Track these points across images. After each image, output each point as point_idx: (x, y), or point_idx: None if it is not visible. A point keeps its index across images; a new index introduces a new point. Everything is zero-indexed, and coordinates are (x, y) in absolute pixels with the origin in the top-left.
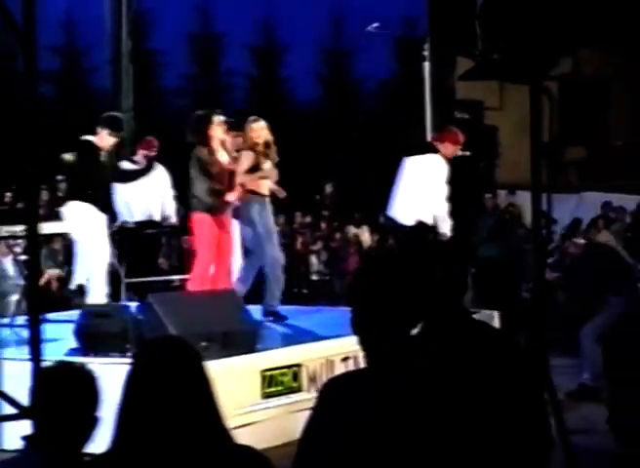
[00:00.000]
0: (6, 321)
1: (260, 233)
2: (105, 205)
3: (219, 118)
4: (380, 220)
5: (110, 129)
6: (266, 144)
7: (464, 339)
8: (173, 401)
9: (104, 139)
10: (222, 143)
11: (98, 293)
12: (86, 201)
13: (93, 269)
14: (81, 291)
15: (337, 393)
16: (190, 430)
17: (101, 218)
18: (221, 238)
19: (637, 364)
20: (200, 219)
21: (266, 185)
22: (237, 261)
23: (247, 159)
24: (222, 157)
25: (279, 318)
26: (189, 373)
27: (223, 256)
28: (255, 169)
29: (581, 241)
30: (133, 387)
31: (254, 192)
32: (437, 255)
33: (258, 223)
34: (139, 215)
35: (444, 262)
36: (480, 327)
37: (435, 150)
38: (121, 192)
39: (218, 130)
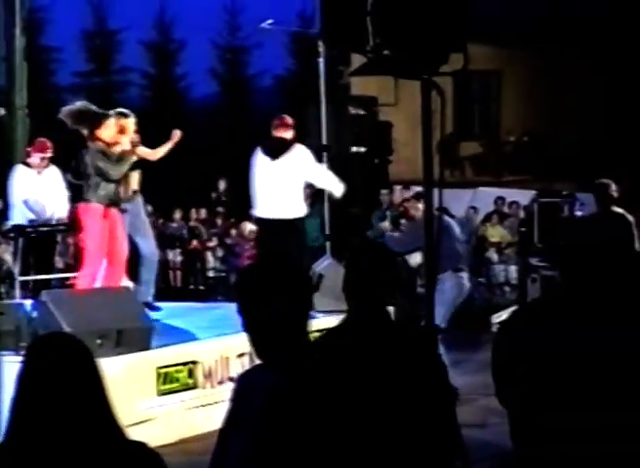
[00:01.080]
0: None
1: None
2: None
3: (109, 121)
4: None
5: None
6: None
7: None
8: (64, 397)
9: None
10: (108, 145)
11: None
12: None
13: None
14: None
15: (244, 386)
16: (82, 426)
17: None
18: (111, 230)
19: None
20: (89, 209)
21: (135, 180)
22: None
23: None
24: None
25: (153, 308)
26: (80, 369)
27: (115, 250)
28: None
29: None
30: (24, 383)
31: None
32: (366, 254)
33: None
34: (32, 215)
35: (372, 261)
36: (392, 324)
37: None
38: (16, 192)
39: (105, 132)
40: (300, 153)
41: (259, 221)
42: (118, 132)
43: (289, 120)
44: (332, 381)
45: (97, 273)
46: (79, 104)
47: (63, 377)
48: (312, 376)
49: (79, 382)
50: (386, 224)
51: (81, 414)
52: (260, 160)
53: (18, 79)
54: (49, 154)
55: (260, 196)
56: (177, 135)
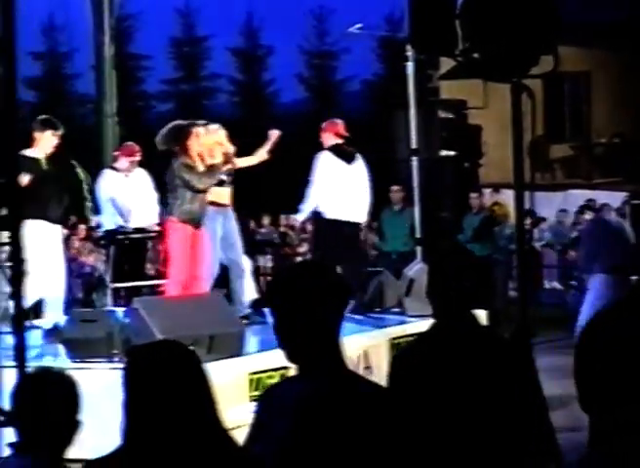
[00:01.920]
0: None
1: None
2: (57, 216)
3: (197, 130)
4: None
5: (52, 129)
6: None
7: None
8: (174, 403)
9: (48, 141)
10: (200, 155)
11: (55, 311)
12: (35, 218)
13: (48, 286)
14: (36, 309)
15: (272, 398)
16: (192, 431)
17: (54, 231)
18: (196, 244)
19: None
20: (174, 229)
21: (226, 195)
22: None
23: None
24: (200, 166)
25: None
26: (190, 375)
27: (198, 261)
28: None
29: None
30: (133, 391)
31: (214, 203)
32: (450, 258)
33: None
34: (127, 221)
35: (456, 265)
36: (480, 330)
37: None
38: (104, 196)
39: (195, 141)
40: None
41: (327, 222)
42: (210, 144)
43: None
44: (416, 388)
45: (183, 281)
46: (167, 127)
47: (173, 383)
48: (350, 381)
49: (189, 388)
50: None
51: (191, 420)
52: (334, 163)
53: (107, 87)
54: (137, 158)
55: (336, 198)
56: (275, 134)
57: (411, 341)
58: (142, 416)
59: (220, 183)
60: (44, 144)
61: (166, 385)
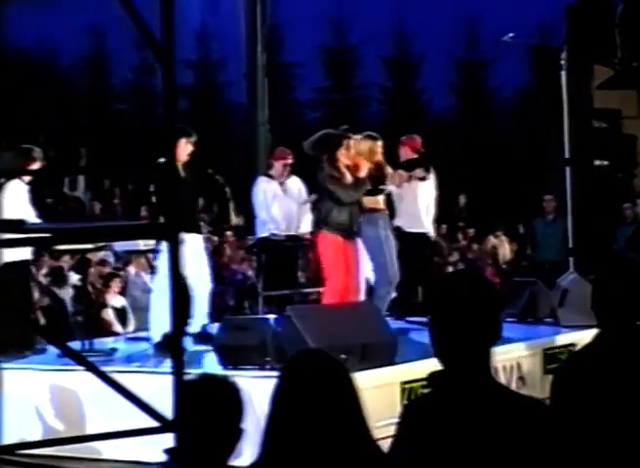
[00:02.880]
0: (146, 334)
1: (384, 251)
2: (192, 224)
3: (348, 141)
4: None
5: (186, 136)
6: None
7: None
8: (322, 413)
9: (183, 149)
10: (348, 167)
11: (201, 317)
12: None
13: (195, 292)
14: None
15: (412, 418)
16: (339, 442)
17: (194, 241)
18: (348, 255)
19: None
20: (324, 240)
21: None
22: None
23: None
24: (348, 176)
25: None
26: (338, 386)
27: (351, 272)
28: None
29: None
30: (281, 400)
31: (374, 209)
32: (614, 268)
33: (384, 240)
34: (280, 228)
35: (621, 274)
36: None
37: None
38: (259, 204)
39: (344, 153)
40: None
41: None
42: (363, 155)
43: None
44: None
45: (340, 290)
46: (318, 134)
47: (322, 393)
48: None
49: (337, 398)
50: None
51: (339, 430)
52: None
53: (259, 95)
54: (289, 160)
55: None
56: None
57: (574, 353)
58: (290, 426)
59: (379, 192)
60: (179, 152)
61: (315, 395)
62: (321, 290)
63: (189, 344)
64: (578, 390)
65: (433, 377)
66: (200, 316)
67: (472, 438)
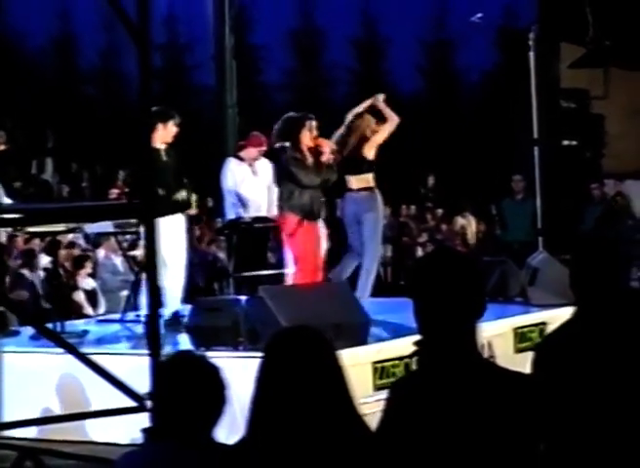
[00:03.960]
0: (117, 316)
1: (377, 228)
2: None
3: (310, 123)
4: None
5: (171, 118)
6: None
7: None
8: (311, 390)
9: (168, 132)
10: (311, 149)
11: (175, 300)
12: None
13: (170, 276)
14: None
15: (401, 394)
16: (328, 418)
17: (178, 221)
18: (312, 236)
19: None
20: (285, 221)
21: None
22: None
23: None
24: (310, 160)
25: None
26: (325, 362)
27: (317, 253)
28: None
29: None
30: (269, 378)
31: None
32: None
33: (380, 218)
34: (249, 210)
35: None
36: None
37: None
38: (228, 185)
39: (307, 135)
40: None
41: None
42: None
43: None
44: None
45: (309, 271)
46: (280, 121)
47: (310, 370)
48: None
49: (324, 375)
50: None
51: (327, 406)
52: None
53: (227, 78)
54: (264, 148)
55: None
56: (380, 98)
57: (555, 329)
58: (278, 402)
59: (366, 169)
60: (165, 135)
61: (305, 370)
62: (288, 271)
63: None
64: (559, 369)
65: (420, 349)
66: (173, 300)
67: (462, 414)
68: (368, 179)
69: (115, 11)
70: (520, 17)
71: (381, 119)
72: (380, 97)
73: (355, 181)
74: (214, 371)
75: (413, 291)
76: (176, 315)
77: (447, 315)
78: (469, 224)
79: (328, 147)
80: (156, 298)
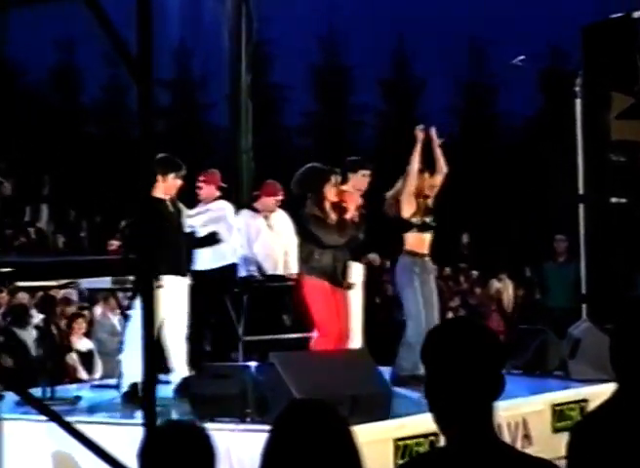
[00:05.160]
0: (113, 382)
1: (418, 301)
2: (179, 265)
3: (336, 178)
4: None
5: (175, 170)
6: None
7: None
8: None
9: (171, 184)
10: (333, 205)
11: (182, 366)
12: (166, 272)
13: (173, 343)
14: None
15: None
16: None
17: (183, 286)
18: (337, 300)
19: None
20: (306, 285)
21: (427, 241)
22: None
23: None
24: (333, 217)
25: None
26: (337, 442)
27: (342, 318)
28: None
29: None
30: (274, 455)
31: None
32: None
33: (417, 289)
34: (264, 268)
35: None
36: None
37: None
38: (241, 239)
39: (331, 191)
40: None
41: None
42: (347, 189)
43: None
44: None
45: (331, 338)
46: (302, 169)
47: (320, 450)
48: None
49: (336, 456)
50: None
51: None
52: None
53: (242, 119)
54: (280, 197)
55: None
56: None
57: (592, 411)
58: None
59: (423, 228)
60: (167, 187)
61: (314, 451)
62: (308, 335)
63: (168, 396)
64: (597, 453)
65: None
66: (180, 366)
67: None
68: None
69: (112, 41)
70: (567, 59)
71: (429, 166)
72: (436, 138)
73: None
74: (203, 442)
75: (423, 363)
76: (186, 382)
77: (458, 392)
78: (506, 288)
79: (353, 203)
80: (153, 362)
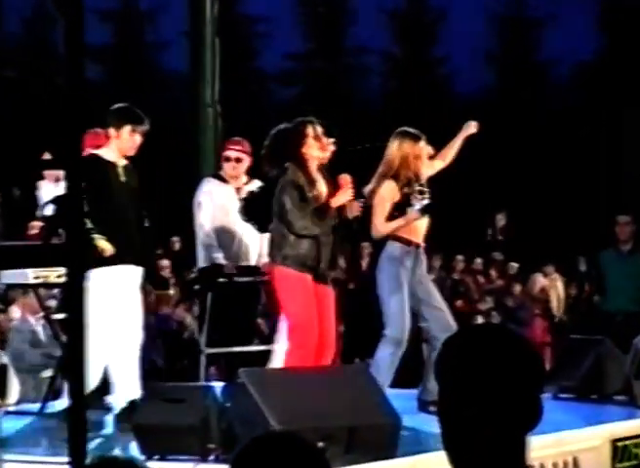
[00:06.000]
0: (35, 407)
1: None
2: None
3: (314, 128)
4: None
5: (132, 122)
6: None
7: None
8: None
9: (127, 141)
10: (320, 166)
11: (128, 385)
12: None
13: (120, 351)
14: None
15: None
16: None
17: (134, 277)
18: (320, 300)
19: None
20: (281, 277)
21: (421, 230)
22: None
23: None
24: (321, 187)
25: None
26: None
27: (324, 324)
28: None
29: None
30: None
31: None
32: None
33: (404, 285)
34: (232, 255)
35: None
36: None
37: None
38: (204, 219)
39: (314, 147)
40: None
41: None
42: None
43: None
44: None
45: (309, 350)
46: (268, 139)
47: None
48: None
49: None
50: None
51: None
52: None
53: (207, 64)
54: (242, 153)
55: None
56: (472, 125)
57: None
58: None
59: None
60: (122, 145)
61: None
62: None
63: (111, 424)
64: None
65: None
66: (127, 385)
67: None
68: None
69: None
70: None
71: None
72: (473, 124)
73: None
74: None
75: (437, 382)
76: (132, 406)
77: (479, 422)
78: (554, 285)
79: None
80: (81, 382)
